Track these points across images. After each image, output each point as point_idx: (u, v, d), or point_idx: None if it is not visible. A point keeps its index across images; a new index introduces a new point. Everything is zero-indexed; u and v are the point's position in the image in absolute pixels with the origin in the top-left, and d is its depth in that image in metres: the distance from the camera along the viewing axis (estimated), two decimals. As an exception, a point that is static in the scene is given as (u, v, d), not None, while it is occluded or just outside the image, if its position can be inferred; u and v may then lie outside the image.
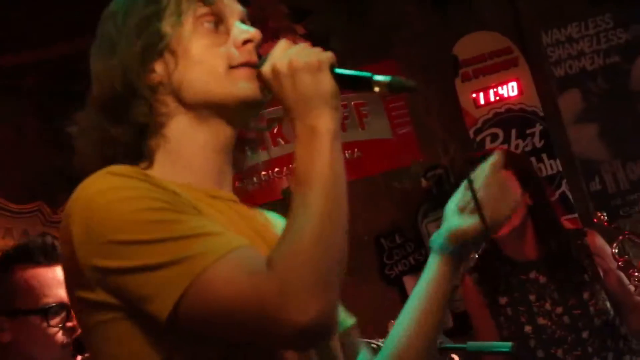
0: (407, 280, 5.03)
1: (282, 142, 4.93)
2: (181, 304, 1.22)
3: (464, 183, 1.64)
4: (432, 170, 5.13)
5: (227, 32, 1.46)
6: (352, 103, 5.09)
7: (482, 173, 1.64)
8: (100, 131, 1.43)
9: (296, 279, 1.20)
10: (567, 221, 4.86)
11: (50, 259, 2.37)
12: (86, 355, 2.28)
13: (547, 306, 3.24)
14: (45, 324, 2.36)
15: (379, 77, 1.39)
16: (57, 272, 2.35)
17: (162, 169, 1.42)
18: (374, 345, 2.34)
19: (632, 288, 3.11)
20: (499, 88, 5.35)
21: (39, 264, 2.39)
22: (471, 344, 2.43)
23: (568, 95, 5.42)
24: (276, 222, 1.58)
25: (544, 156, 5.31)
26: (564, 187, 5.29)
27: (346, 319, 1.58)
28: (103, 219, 1.27)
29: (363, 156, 5.10)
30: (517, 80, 5.35)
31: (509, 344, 2.37)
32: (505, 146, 5.22)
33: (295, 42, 1.40)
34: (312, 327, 1.21)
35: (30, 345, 2.37)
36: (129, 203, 1.27)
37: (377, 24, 5.20)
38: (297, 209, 1.27)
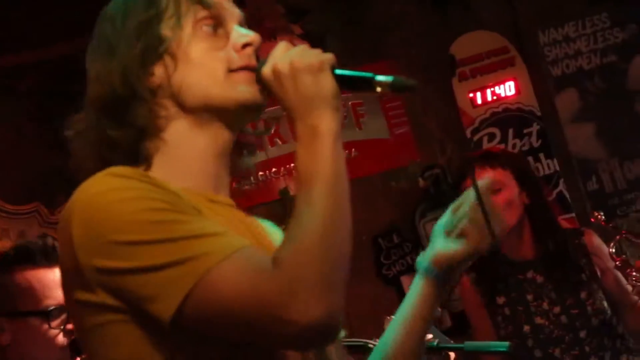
0: (404, 280, 5.03)
1: (280, 142, 4.93)
2: (185, 305, 1.23)
3: (451, 206, 1.68)
4: (430, 170, 5.13)
5: (226, 36, 1.46)
6: (350, 103, 5.09)
7: (469, 198, 1.65)
8: (98, 133, 1.43)
9: (303, 276, 1.21)
10: (565, 221, 4.87)
11: (50, 261, 2.36)
12: (83, 357, 2.28)
13: (545, 306, 3.24)
14: (45, 326, 2.35)
15: (380, 77, 1.39)
16: (58, 274, 2.34)
17: (160, 172, 1.42)
18: (371, 346, 2.35)
19: (629, 287, 3.12)
20: (496, 87, 5.35)
21: (39, 265, 2.38)
22: (469, 344, 2.43)
23: (565, 95, 5.42)
24: (271, 230, 1.59)
25: (541, 156, 5.31)
26: (561, 186, 5.29)
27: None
28: (104, 219, 1.27)
29: (360, 156, 5.10)
30: (514, 79, 5.35)
31: (507, 343, 2.37)
32: (502, 146, 5.23)
33: (292, 43, 1.41)
34: (318, 325, 1.21)
35: (29, 346, 2.36)
36: (131, 204, 1.27)
37: (374, 24, 5.20)
38: (301, 209, 1.28)
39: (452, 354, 2.51)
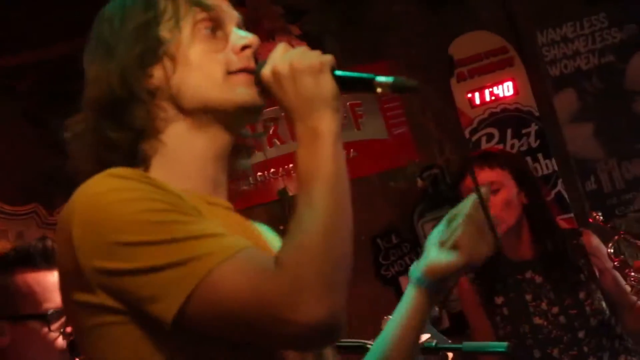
0: (403, 280, 5.03)
1: (278, 143, 4.93)
2: (187, 305, 1.23)
3: (446, 217, 1.69)
4: (428, 171, 5.13)
5: (225, 38, 1.46)
6: (348, 103, 5.09)
7: (463, 210, 1.66)
8: (96, 134, 1.43)
9: (304, 276, 1.21)
10: (563, 221, 4.86)
11: (50, 263, 2.35)
12: (82, 358, 2.27)
13: (543, 306, 3.25)
14: (45, 329, 2.34)
15: (381, 78, 1.39)
16: (57, 277, 2.33)
17: (158, 173, 1.41)
18: (369, 346, 2.34)
19: (627, 288, 3.12)
20: (495, 88, 5.34)
21: (40, 268, 2.37)
22: (467, 344, 2.43)
23: (563, 95, 5.42)
24: (267, 235, 1.60)
25: (540, 156, 5.31)
26: (560, 186, 5.29)
27: None
28: (105, 220, 1.27)
29: (359, 156, 5.10)
30: (512, 80, 5.35)
31: (505, 344, 2.37)
32: (500, 146, 5.23)
33: (291, 43, 1.41)
34: (320, 325, 1.21)
35: (29, 349, 2.35)
36: (131, 204, 1.27)
37: (372, 24, 5.19)
38: (302, 209, 1.28)
39: (450, 355, 2.50)
